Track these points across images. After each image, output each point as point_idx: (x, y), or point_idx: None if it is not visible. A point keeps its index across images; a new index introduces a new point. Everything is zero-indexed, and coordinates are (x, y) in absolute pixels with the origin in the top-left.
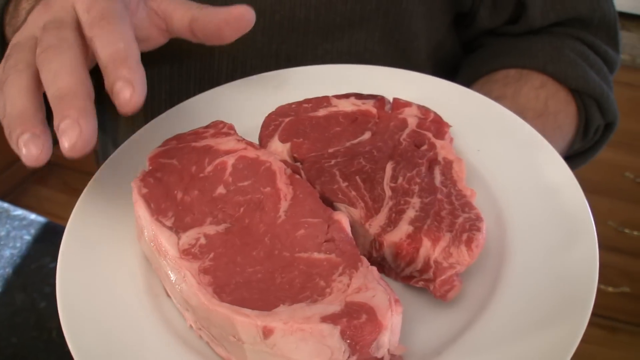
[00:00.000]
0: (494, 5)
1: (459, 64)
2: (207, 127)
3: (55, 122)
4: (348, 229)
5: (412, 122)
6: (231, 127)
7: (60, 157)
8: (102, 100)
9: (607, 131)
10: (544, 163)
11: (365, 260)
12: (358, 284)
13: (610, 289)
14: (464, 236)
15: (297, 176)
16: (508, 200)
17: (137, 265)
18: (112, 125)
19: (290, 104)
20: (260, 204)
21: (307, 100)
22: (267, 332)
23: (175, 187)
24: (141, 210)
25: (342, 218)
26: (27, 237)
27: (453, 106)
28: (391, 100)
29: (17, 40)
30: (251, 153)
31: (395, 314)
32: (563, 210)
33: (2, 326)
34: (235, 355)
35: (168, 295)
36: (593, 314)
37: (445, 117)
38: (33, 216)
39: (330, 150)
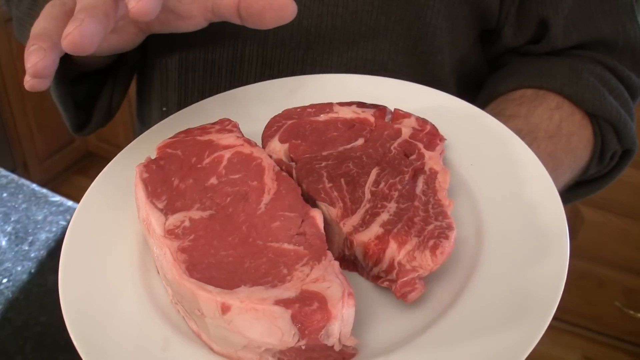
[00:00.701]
0: (517, 24)
1: (483, 80)
2: (214, 123)
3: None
4: (321, 225)
5: (406, 133)
6: (235, 125)
7: (101, 149)
8: (143, 95)
9: (625, 158)
10: (531, 180)
11: (330, 254)
12: (317, 275)
13: (639, 315)
14: (431, 242)
15: (284, 174)
16: (490, 213)
17: (136, 244)
18: (149, 118)
19: (296, 108)
20: (245, 196)
21: (312, 106)
22: (224, 309)
23: (173, 175)
24: (139, 193)
25: (317, 215)
26: (63, 223)
27: (454, 120)
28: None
29: None
30: (247, 149)
31: (347, 307)
32: (540, 226)
33: (33, 305)
34: (203, 330)
35: (157, 272)
36: (619, 340)
37: (444, 130)
38: (70, 203)
39: (324, 153)
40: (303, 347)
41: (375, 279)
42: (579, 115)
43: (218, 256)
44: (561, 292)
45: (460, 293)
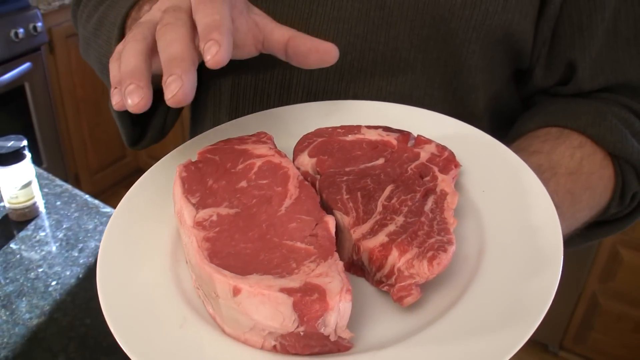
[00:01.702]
0: (547, 65)
1: (516, 117)
2: (252, 135)
3: (163, 79)
4: (332, 230)
5: (424, 156)
6: (270, 138)
7: (150, 165)
8: (196, 116)
9: None
10: (536, 208)
11: (336, 255)
12: (321, 271)
13: None
14: (430, 253)
15: (307, 183)
16: (493, 234)
17: (170, 236)
18: (201, 128)
19: (327, 128)
20: (269, 199)
21: (342, 127)
22: (236, 291)
23: (209, 176)
24: (176, 188)
25: (330, 220)
26: None
27: (473, 149)
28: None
29: (138, 22)
30: (276, 159)
31: (344, 301)
32: (537, 248)
33: (79, 308)
34: (217, 312)
35: (186, 262)
36: None
37: (462, 158)
38: None
39: (347, 169)
40: (302, 334)
41: (378, 283)
42: (601, 155)
43: (237, 247)
44: (548, 306)
45: (455, 302)
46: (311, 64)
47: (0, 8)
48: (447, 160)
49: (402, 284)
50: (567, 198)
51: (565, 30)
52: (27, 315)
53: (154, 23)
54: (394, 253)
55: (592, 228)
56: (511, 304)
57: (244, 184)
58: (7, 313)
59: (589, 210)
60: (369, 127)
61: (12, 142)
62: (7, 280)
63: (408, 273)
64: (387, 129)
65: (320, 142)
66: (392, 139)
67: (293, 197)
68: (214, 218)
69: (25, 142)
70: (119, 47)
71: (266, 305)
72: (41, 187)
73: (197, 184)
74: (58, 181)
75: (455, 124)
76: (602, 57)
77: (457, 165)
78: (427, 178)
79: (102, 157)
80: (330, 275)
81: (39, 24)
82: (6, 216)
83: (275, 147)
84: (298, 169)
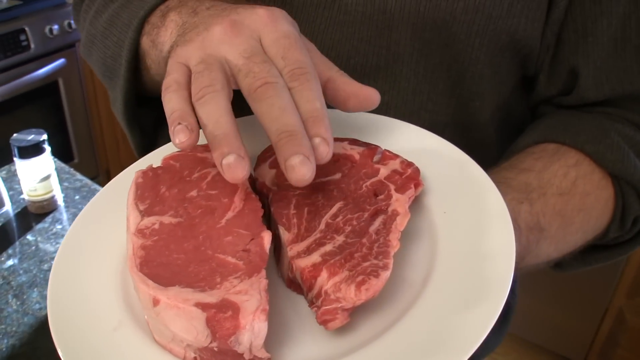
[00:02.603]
0: (550, 72)
1: (525, 128)
2: None
3: (216, 159)
4: (267, 246)
5: (384, 173)
6: None
7: None
8: None
9: None
10: (494, 232)
11: (263, 273)
12: (242, 288)
13: None
14: (359, 278)
15: (253, 195)
16: (444, 260)
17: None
18: None
19: None
20: (213, 210)
21: None
22: (155, 302)
23: (163, 183)
24: (129, 194)
25: (266, 236)
26: None
27: (444, 167)
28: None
29: (202, 57)
30: None
31: (258, 320)
32: (485, 277)
33: None
34: (148, 319)
35: None
36: None
37: (432, 176)
38: None
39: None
40: (215, 349)
41: (310, 303)
42: (599, 174)
43: (170, 257)
44: (481, 339)
45: (386, 329)
46: (350, 109)
47: (35, 4)
48: (407, 179)
49: (327, 307)
50: (556, 220)
51: (569, 36)
52: (37, 306)
53: (223, 65)
54: (323, 274)
55: (592, 252)
56: (442, 334)
57: (194, 193)
58: (18, 303)
59: (583, 234)
60: (336, 139)
61: (32, 136)
62: (21, 271)
63: (334, 297)
64: (354, 141)
65: None
66: (355, 152)
67: (236, 209)
68: (156, 226)
69: (45, 136)
70: (177, 77)
71: (181, 318)
72: (61, 180)
73: (150, 190)
74: (78, 176)
75: (432, 138)
76: (607, 66)
77: (418, 184)
78: (381, 196)
79: (133, 153)
80: (249, 294)
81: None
82: (25, 208)
83: None
84: (256, 179)
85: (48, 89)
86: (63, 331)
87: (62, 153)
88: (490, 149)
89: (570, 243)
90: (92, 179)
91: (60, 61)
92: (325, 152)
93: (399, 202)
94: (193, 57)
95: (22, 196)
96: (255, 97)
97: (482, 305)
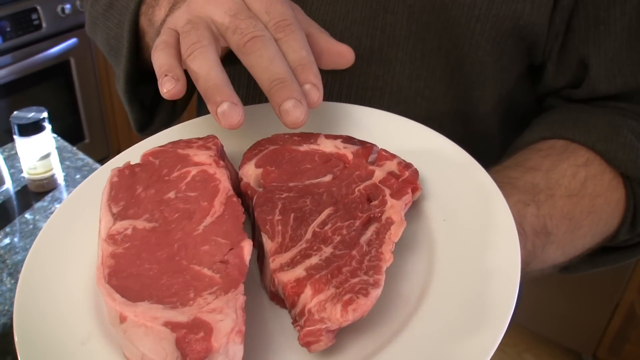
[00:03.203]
0: (559, 61)
1: (531, 120)
2: (200, 138)
3: (214, 105)
4: (247, 257)
5: (379, 176)
6: (216, 144)
7: None
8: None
9: None
10: (497, 246)
11: (241, 288)
12: (216, 305)
13: None
14: (347, 296)
15: (235, 199)
16: (442, 275)
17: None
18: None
19: (284, 134)
20: (191, 215)
21: (300, 134)
22: (122, 319)
23: (140, 183)
24: (103, 195)
25: (246, 246)
26: None
27: (447, 169)
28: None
29: (188, 19)
30: (212, 169)
31: (233, 343)
32: (486, 298)
33: None
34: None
35: None
36: None
37: (430, 179)
38: None
39: (290, 184)
40: None
41: (293, 321)
42: (610, 175)
43: (141, 268)
44: None
45: (376, 352)
46: (323, 65)
47: None
48: (404, 182)
49: (311, 328)
50: (564, 223)
51: (579, 24)
52: None
53: (209, 24)
54: (307, 291)
55: (600, 254)
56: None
57: (172, 194)
58: (12, 282)
59: (591, 237)
60: (328, 136)
61: (32, 114)
62: (18, 249)
63: (319, 316)
64: (348, 139)
65: (272, 150)
66: (349, 152)
67: (215, 214)
68: (129, 232)
69: (45, 114)
70: (165, 38)
71: (149, 338)
72: (63, 159)
73: (125, 191)
74: (80, 155)
75: (433, 136)
76: (620, 57)
77: (416, 188)
78: (375, 202)
79: (145, 134)
80: (224, 312)
81: None
82: (25, 187)
83: (217, 155)
84: (241, 179)
85: (59, 68)
86: (28, 344)
87: (73, 133)
88: (492, 141)
89: (578, 247)
90: (103, 159)
91: (72, 41)
92: (316, 96)
93: (394, 209)
94: (180, 20)
95: (22, 174)
96: (245, 51)
97: (482, 330)
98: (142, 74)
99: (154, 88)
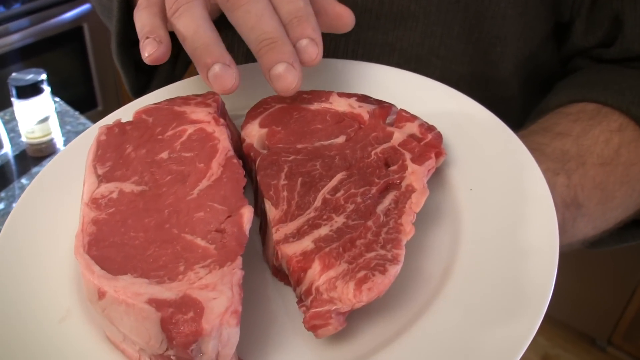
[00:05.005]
0: (589, 18)
1: (554, 83)
2: (199, 95)
3: (204, 67)
4: (247, 226)
5: (398, 138)
6: (217, 100)
7: None
8: None
9: None
10: (533, 221)
11: (239, 261)
12: (209, 281)
13: None
14: (361, 273)
15: (235, 161)
16: (469, 252)
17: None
18: None
19: None
20: (185, 177)
21: (310, 92)
22: (100, 294)
23: (130, 142)
24: (89, 154)
25: (246, 214)
26: None
27: (472, 133)
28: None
29: None
30: (210, 128)
31: (227, 326)
32: (521, 280)
33: None
34: None
35: None
36: None
37: (455, 144)
38: None
39: (299, 146)
40: (173, 357)
41: (298, 300)
42: None
43: (125, 236)
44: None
45: (393, 339)
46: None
47: None
48: (427, 146)
49: (318, 309)
50: (596, 194)
51: None
52: None
53: None
54: (315, 266)
55: (630, 228)
56: (464, 352)
57: (164, 155)
58: None
59: (624, 210)
60: (341, 94)
61: (31, 75)
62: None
63: (328, 296)
64: (363, 98)
65: (278, 109)
66: (364, 111)
67: (212, 177)
68: (114, 195)
69: (44, 76)
70: None
71: (130, 317)
72: (64, 124)
73: (113, 150)
74: (82, 119)
75: (458, 98)
76: None
77: (440, 153)
78: (394, 167)
79: None
80: (218, 289)
81: None
82: (24, 151)
83: (217, 112)
84: (243, 140)
85: (73, 34)
86: (1, 321)
87: (86, 100)
88: (512, 106)
89: (610, 220)
90: None
91: (86, 6)
92: (315, 53)
93: (416, 175)
94: None
95: (21, 139)
96: (230, 6)
97: (515, 317)
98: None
99: None
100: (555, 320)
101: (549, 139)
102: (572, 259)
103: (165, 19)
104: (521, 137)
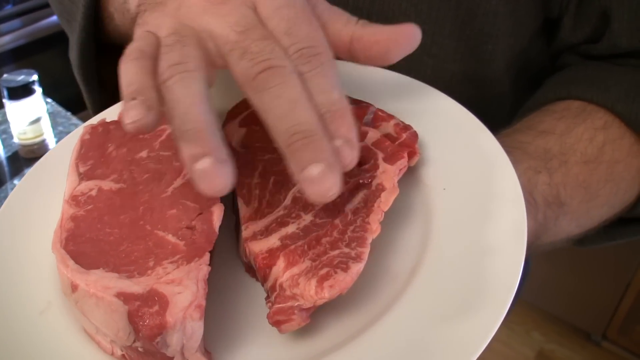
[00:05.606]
0: (577, 13)
1: (544, 79)
2: None
3: (190, 158)
4: (216, 223)
5: (372, 137)
6: None
7: None
8: None
9: None
10: (501, 221)
11: (206, 257)
12: (176, 276)
13: None
14: (323, 271)
15: None
16: (437, 251)
17: None
18: None
19: None
20: (162, 175)
21: None
22: (73, 288)
23: (113, 141)
24: (73, 152)
25: (217, 211)
26: None
27: (450, 133)
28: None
29: (175, 28)
30: None
31: (191, 319)
32: (485, 277)
33: None
34: None
35: None
36: None
37: (431, 143)
38: None
39: (275, 145)
40: (140, 349)
41: (266, 296)
42: (630, 139)
43: (101, 232)
44: (475, 358)
45: (358, 335)
46: (394, 59)
47: None
48: (400, 146)
49: (281, 305)
50: (579, 192)
51: None
52: None
53: (198, 40)
54: (280, 263)
55: (617, 226)
56: (427, 346)
57: (144, 154)
58: None
59: (609, 208)
60: None
61: (22, 76)
62: None
63: (290, 292)
64: None
65: None
66: None
67: (187, 176)
68: (93, 193)
69: (35, 77)
70: (141, 46)
71: (100, 309)
72: (56, 125)
73: (96, 149)
74: (74, 120)
75: (435, 96)
76: None
77: (413, 152)
78: (366, 166)
79: None
80: (183, 284)
81: None
82: (16, 152)
83: None
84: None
85: (64, 35)
86: None
87: (78, 101)
88: (503, 103)
89: (594, 218)
90: None
91: None
92: (350, 157)
93: (387, 174)
94: (164, 27)
95: (13, 140)
96: (256, 86)
97: (479, 312)
98: (101, 44)
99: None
100: (550, 316)
101: (532, 137)
102: (566, 255)
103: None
104: (505, 136)
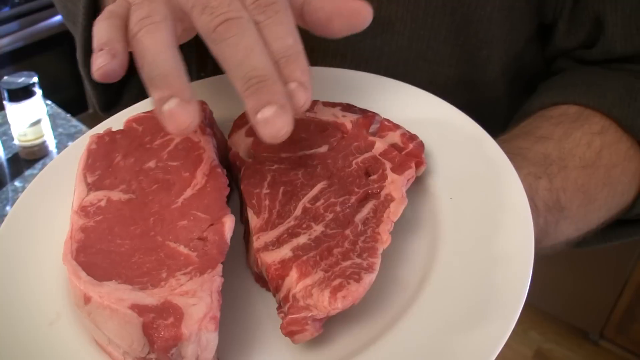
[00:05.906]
0: (571, 19)
1: (539, 83)
2: None
3: (159, 101)
4: (228, 234)
5: (380, 148)
6: (204, 109)
7: None
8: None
9: None
10: (509, 229)
11: (219, 269)
12: (190, 288)
13: None
14: (336, 282)
15: (219, 170)
16: (446, 260)
17: None
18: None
19: None
20: (171, 186)
21: None
22: (86, 299)
23: (120, 150)
24: (80, 162)
25: (228, 222)
26: None
27: (455, 142)
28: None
29: None
30: (196, 137)
31: (206, 330)
32: (495, 286)
33: None
34: None
35: None
36: None
37: (437, 153)
38: None
39: (283, 155)
40: None
41: (278, 306)
42: (627, 143)
43: (112, 243)
44: None
45: (369, 345)
46: (337, 32)
47: None
48: (408, 156)
49: (295, 315)
50: (578, 197)
51: None
52: None
53: None
54: (293, 274)
55: (614, 228)
56: (438, 356)
57: (152, 164)
58: None
59: (606, 211)
60: (326, 103)
61: (22, 78)
62: (2, 218)
63: (304, 303)
64: (347, 107)
65: None
66: (348, 121)
67: (197, 186)
68: (103, 203)
69: (36, 79)
70: (112, 7)
71: (114, 321)
72: (55, 126)
73: (103, 159)
74: (74, 121)
75: (440, 106)
76: (639, 14)
77: (420, 162)
78: (374, 177)
79: None
80: (198, 296)
81: None
82: (17, 154)
83: (203, 122)
84: (230, 149)
85: (63, 37)
86: None
87: (77, 103)
88: (499, 107)
89: (592, 221)
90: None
91: None
92: (303, 99)
93: (395, 184)
94: None
95: (14, 141)
96: (215, 37)
97: (489, 322)
98: None
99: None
100: (548, 315)
101: (531, 143)
102: (564, 255)
103: (126, 34)
104: (503, 142)
